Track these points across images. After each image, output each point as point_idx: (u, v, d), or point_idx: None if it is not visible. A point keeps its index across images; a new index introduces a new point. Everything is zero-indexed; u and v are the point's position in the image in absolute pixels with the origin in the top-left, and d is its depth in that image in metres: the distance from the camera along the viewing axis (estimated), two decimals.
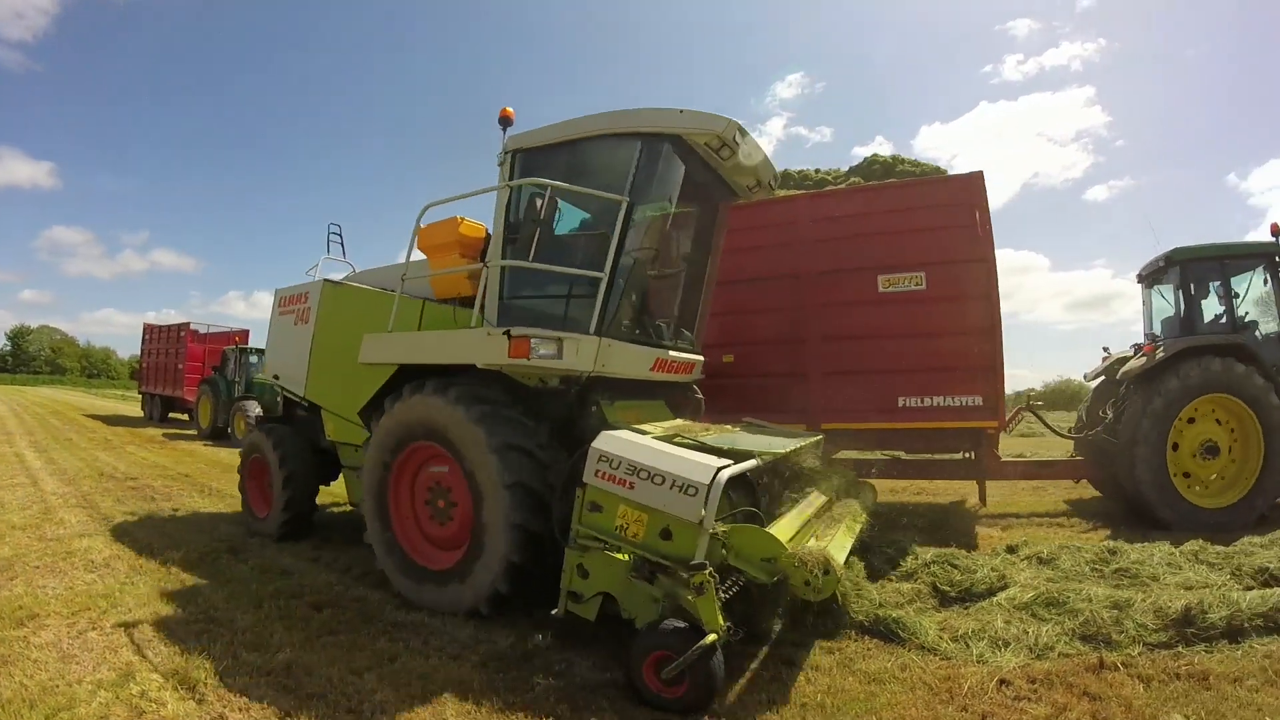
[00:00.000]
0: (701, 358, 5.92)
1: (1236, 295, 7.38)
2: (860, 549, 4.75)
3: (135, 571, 5.26)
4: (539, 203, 4.41)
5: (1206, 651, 3.61)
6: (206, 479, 10.08)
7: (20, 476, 9.84)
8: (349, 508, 7.15)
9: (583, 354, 4.33)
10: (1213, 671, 3.37)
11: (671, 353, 5.28)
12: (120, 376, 75.40)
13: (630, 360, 4.78)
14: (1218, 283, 7.43)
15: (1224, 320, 7.36)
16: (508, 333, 4.15)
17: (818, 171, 11.54)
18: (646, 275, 5.30)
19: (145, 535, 6.41)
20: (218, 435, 16.57)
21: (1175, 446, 6.79)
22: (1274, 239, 7.46)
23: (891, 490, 8.49)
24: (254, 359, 16.74)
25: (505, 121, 4.81)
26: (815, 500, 4.69)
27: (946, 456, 7.25)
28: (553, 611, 3.61)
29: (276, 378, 6.84)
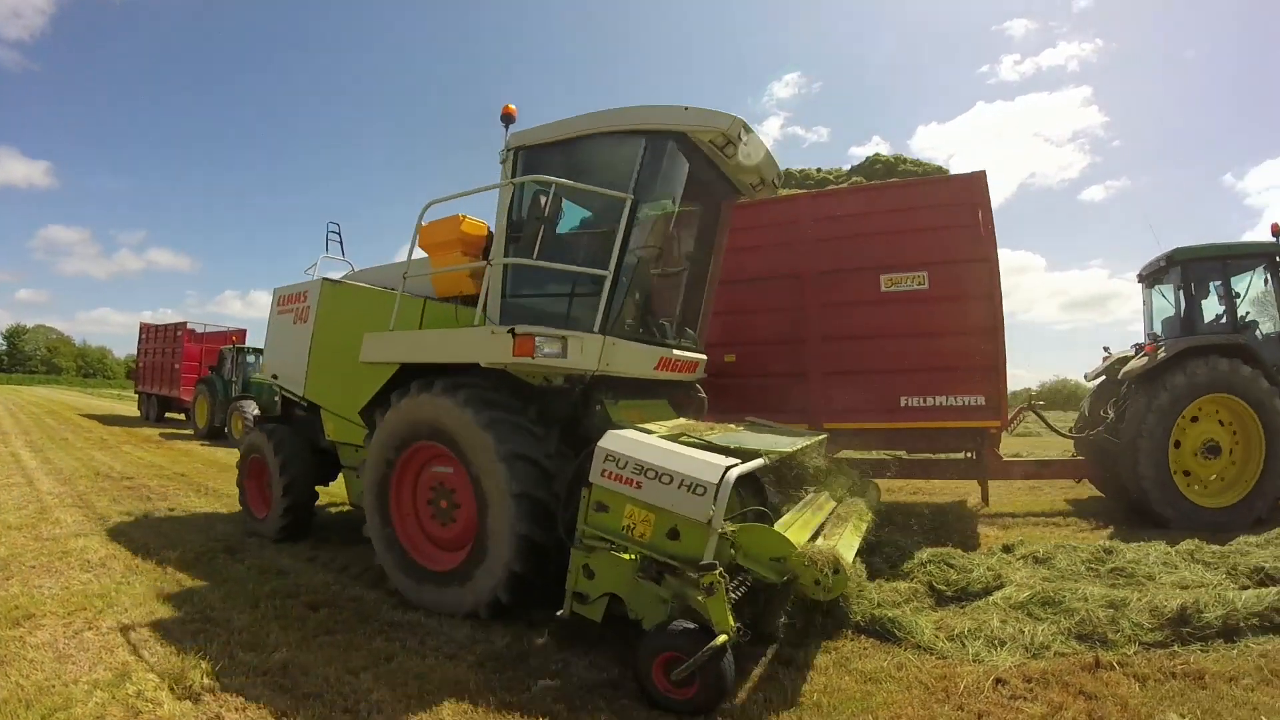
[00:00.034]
0: (704, 356, 5.91)
1: (1237, 295, 7.42)
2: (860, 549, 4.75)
3: (131, 571, 5.25)
4: (543, 200, 4.36)
5: (1202, 650, 3.62)
6: (203, 478, 10.07)
7: (16, 476, 9.82)
8: (347, 508, 7.15)
9: (587, 352, 4.30)
10: (1208, 670, 3.38)
11: (675, 351, 5.26)
12: (116, 376, 75.23)
13: (635, 359, 4.76)
14: (1218, 282, 7.45)
15: (1224, 320, 7.38)
16: (512, 331, 4.12)
17: (819, 171, 11.56)
18: (650, 274, 5.28)
19: (141, 535, 6.40)
20: (214, 435, 16.54)
21: (1177, 444, 6.81)
22: (1275, 239, 7.48)
23: (888, 490, 8.48)
24: (251, 359, 16.71)
25: (507, 119, 4.77)
26: (822, 499, 4.68)
27: (948, 456, 7.26)
28: (558, 613, 3.57)
29: (275, 377, 6.80)
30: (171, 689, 3.29)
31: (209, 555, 5.72)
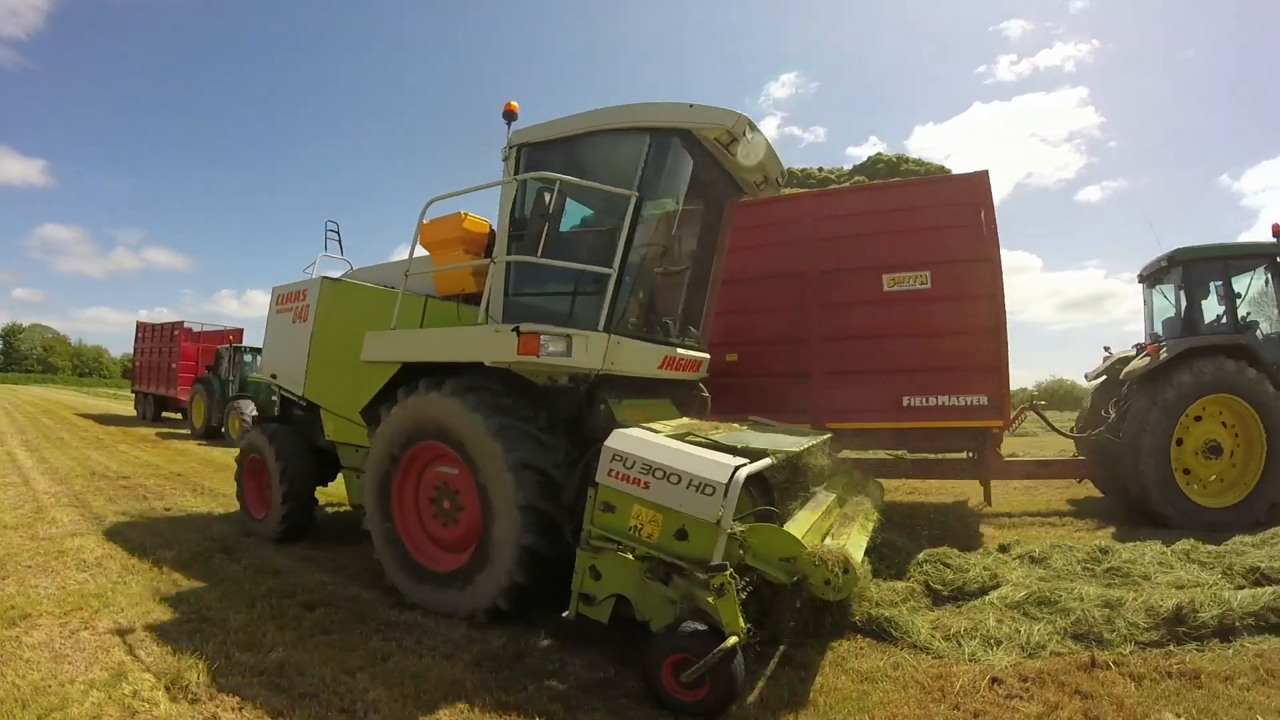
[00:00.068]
0: (708, 356, 5.89)
1: (1239, 296, 7.44)
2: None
3: (127, 571, 5.24)
4: (547, 197, 4.30)
5: (1198, 650, 3.63)
6: (199, 478, 10.04)
7: (12, 475, 9.78)
8: (344, 508, 7.14)
9: (592, 351, 4.26)
10: (1204, 670, 3.39)
11: (680, 350, 5.24)
12: (112, 375, 74.96)
13: (639, 358, 4.72)
14: (1219, 283, 7.47)
15: (1224, 321, 7.40)
16: (517, 329, 4.07)
17: (821, 170, 11.60)
18: (654, 272, 5.24)
19: (137, 534, 6.38)
20: (211, 435, 16.51)
21: (1179, 441, 6.83)
22: (1276, 239, 7.49)
23: (887, 491, 8.50)
24: (248, 358, 16.68)
25: (510, 116, 4.73)
26: (828, 499, 4.67)
27: (950, 456, 7.27)
28: (564, 614, 3.54)
29: (274, 377, 6.74)
30: (168, 689, 3.29)
31: (205, 555, 5.70)
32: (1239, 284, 7.52)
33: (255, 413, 14.42)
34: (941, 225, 6.71)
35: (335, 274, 6.36)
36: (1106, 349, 8.70)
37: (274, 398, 7.49)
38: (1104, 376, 8.46)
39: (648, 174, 4.41)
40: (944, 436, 6.93)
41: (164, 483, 9.54)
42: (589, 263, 4.37)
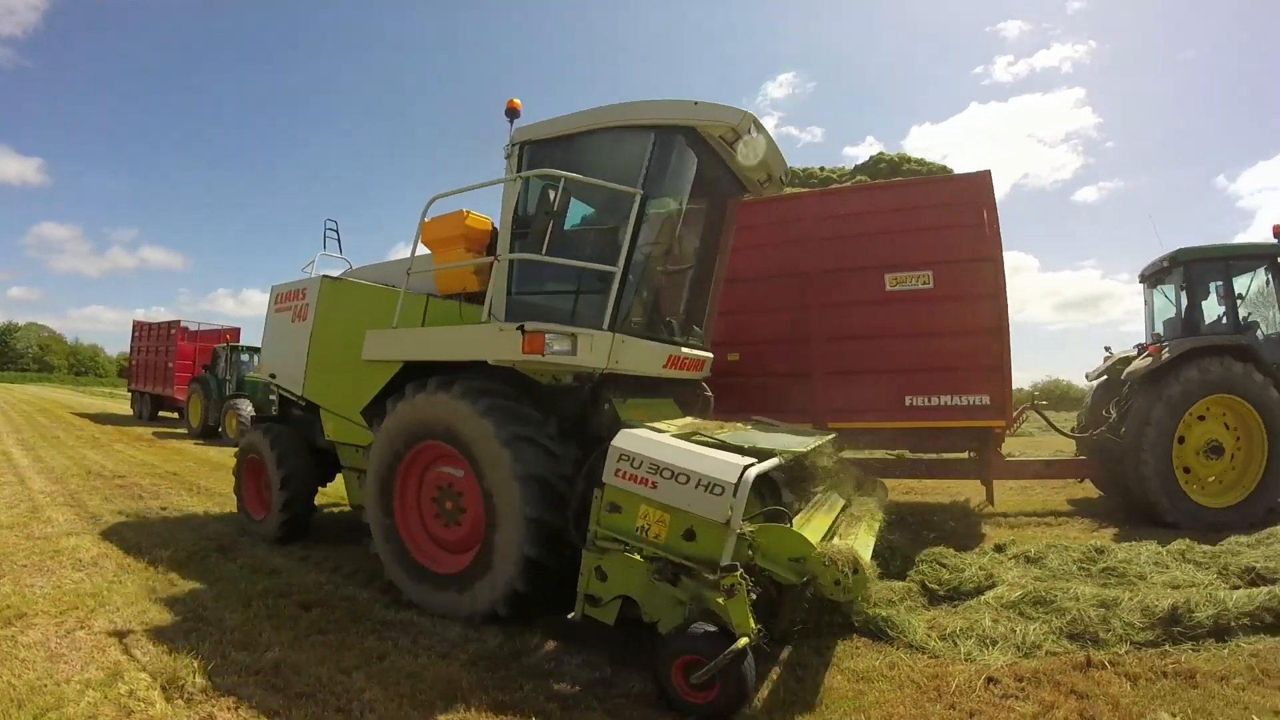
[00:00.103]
0: (711, 355, 5.87)
1: (1240, 296, 7.45)
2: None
3: (123, 570, 5.23)
4: (551, 195, 4.25)
5: (1193, 650, 3.64)
6: (195, 477, 10.02)
7: (7, 474, 9.76)
8: (341, 509, 7.12)
9: (596, 350, 4.23)
10: (1199, 670, 3.40)
11: (684, 349, 5.22)
12: (108, 374, 74.72)
13: (643, 357, 4.69)
14: (1219, 283, 7.49)
15: (1224, 321, 7.41)
16: (521, 328, 4.04)
17: (823, 170, 11.60)
18: (657, 271, 5.21)
19: (133, 534, 6.37)
20: (208, 434, 16.48)
21: (1181, 439, 6.84)
22: (1276, 240, 7.51)
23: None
24: (246, 357, 16.64)
25: (512, 113, 4.70)
26: (834, 499, 4.66)
27: (952, 456, 7.27)
28: (569, 615, 3.52)
29: (273, 376, 6.67)
30: (164, 688, 3.28)
31: (201, 554, 5.69)
32: (1239, 285, 7.54)
33: (252, 412, 14.40)
34: (944, 225, 6.71)
35: (335, 273, 6.30)
36: (1107, 349, 8.72)
37: (272, 397, 7.45)
38: (1105, 376, 8.47)
39: (652, 171, 4.38)
40: (946, 436, 6.95)
41: (160, 482, 9.51)
42: (592, 261, 4.34)
